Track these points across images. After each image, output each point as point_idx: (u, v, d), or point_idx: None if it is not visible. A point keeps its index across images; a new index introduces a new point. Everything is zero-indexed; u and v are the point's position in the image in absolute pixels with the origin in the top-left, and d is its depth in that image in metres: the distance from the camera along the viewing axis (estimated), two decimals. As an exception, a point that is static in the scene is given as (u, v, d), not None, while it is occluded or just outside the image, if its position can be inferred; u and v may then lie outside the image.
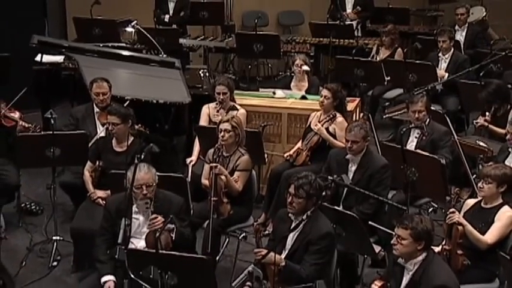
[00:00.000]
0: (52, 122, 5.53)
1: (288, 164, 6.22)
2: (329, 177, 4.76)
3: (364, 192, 5.07)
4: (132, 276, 3.76)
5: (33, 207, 6.50)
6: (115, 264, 4.49)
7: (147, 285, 3.75)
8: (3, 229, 4.66)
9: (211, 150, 5.55)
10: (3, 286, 4.64)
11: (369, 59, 8.35)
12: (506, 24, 9.79)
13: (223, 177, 5.28)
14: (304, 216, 4.29)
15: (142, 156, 4.60)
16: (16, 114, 6.24)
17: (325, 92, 6.21)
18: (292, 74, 7.45)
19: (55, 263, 5.65)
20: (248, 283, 4.37)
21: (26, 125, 6.18)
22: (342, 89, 6.34)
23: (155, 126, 6.53)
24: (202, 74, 7.55)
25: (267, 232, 5.37)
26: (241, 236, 5.59)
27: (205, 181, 5.54)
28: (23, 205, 6.46)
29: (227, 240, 5.81)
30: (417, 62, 7.75)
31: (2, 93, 6.35)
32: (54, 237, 5.76)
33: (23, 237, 6.05)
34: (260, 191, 6.48)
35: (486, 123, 6.39)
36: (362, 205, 5.21)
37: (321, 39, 9.04)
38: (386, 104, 8.16)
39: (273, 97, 7.00)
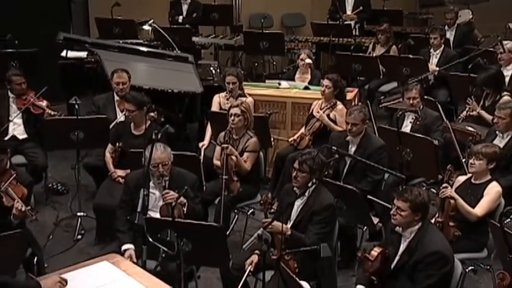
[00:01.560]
0: (76, 107, 5.50)
1: (292, 148, 6.17)
2: (333, 147, 4.68)
3: (370, 163, 4.97)
4: (151, 240, 3.70)
5: (59, 187, 6.47)
6: (134, 234, 4.46)
7: (164, 248, 3.69)
8: (35, 211, 4.61)
9: (222, 134, 5.50)
10: (34, 255, 4.64)
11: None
12: (490, 26, 9.74)
13: (233, 157, 5.25)
14: (310, 184, 4.22)
15: (159, 136, 4.54)
16: (44, 103, 6.20)
17: (326, 82, 6.16)
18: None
19: (79, 237, 5.64)
20: (257, 251, 4.32)
21: (52, 113, 6.13)
22: (341, 79, 6.29)
23: (170, 115, 6.48)
24: (212, 68, 7.50)
25: (272, 210, 5.32)
26: (250, 212, 5.57)
27: (216, 161, 5.49)
28: (50, 185, 6.45)
29: (236, 216, 5.76)
30: (410, 56, 7.67)
31: (31, 85, 6.30)
32: (78, 214, 5.75)
33: (50, 213, 6.03)
34: (266, 174, 6.43)
35: (477, 107, 6.29)
36: (361, 183, 5.16)
37: (322, 38, 9.01)
38: (382, 97, 8.11)
39: (278, 87, 6.95)
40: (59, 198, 6.35)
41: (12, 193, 4.50)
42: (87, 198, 6.07)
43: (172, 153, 4.66)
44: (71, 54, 7.48)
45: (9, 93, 6.17)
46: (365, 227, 5.10)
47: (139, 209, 3.98)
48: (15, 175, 4.63)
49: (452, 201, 4.50)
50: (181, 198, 4.36)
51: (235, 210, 5.61)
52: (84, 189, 6.21)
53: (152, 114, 5.67)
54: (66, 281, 3.28)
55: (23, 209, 4.42)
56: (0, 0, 8.06)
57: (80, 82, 7.37)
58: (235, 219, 5.75)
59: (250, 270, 4.23)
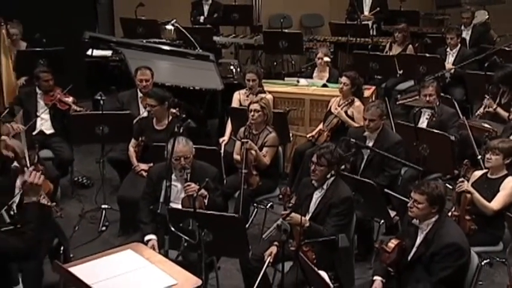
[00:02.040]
0: (101, 102, 5.53)
1: (310, 144, 6.13)
2: (351, 140, 4.65)
3: (388, 156, 4.93)
4: (173, 229, 3.70)
5: (84, 181, 6.51)
6: (156, 225, 4.47)
7: (186, 238, 3.68)
8: (59, 208, 4.64)
9: (242, 129, 5.49)
10: (60, 245, 4.67)
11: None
12: (505, 27, 9.63)
13: (253, 151, 5.25)
14: (329, 175, 4.19)
15: (181, 130, 4.55)
16: (70, 99, 6.24)
17: (344, 79, 6.13)
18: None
19: (104, 228, 5.66)
20: (276, 242, 4.30)
21: (78, 109, 6.16)
22: (359, 76, 6.24)
23: (191, 110, 6.49)
24: (232, 67, 7.50)
25: (290, 204, 5.30)
26: (269, 205, 5.55)
27: (236, 156, 5.49)
28: (75, 179, 6.49)
29: (255, 210, 5.76)
30: (427, 55, 7.60)
31: (58, 82, 6.34)
32: (103, 206, 5.78)
33: (75, 206, 6.06)
34: (285, 169, 6.40)
35: (494, 104, 6.20)
36: (378, 177, 5.12)
37: (340, 37, 8.94)
38: (398, 96, 8.05)
39: (297, 85, 6.91)
40: (84, 191, 6.38)
41: None
42: (111, 192, 6.11)
43: (193, 146, 4.67)
44: (97, 52, 7.56)
45: (37, 89, 6.22)
46: (382, 221, 5.06)
47: (162, 200, 3.97)
48: (42, 171, 4.64)
49: (468, 195, 4.45)
50: (202, 191, 4.36)
51: (255, 204, 5.60)
52: (109, 182, 6.25)
53: (174, 110, 5.69)
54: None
55: (49, 205, 4.43)
56: (30, 0, 8.11)
57: (104, 80, 7.42)
58: (254, 212, 5.74)
59: (269, 261, 4.21)
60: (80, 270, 3.30)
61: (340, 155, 4.40)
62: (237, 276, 4.79)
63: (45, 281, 4.35)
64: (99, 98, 5.55)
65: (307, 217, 4.34)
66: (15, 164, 4.62)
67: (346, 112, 6.06)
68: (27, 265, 4.05)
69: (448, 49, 7.84)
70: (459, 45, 7.86)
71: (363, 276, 4.85)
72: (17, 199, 4.42)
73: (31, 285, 4.11)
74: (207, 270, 4.20)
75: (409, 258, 3.91)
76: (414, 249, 3.90)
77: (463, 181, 4.47)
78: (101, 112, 5.56)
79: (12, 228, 3.62)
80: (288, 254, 3.91)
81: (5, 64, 6.68)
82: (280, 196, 5.01)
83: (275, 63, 9.44)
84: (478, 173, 4.74)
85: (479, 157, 5.32)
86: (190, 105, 6.38)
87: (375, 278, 4.01)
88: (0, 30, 6.63)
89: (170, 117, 5.51)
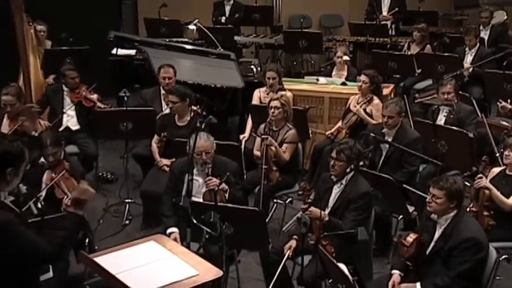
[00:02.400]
0: (125, 99, 5.56)
1: (329, 141, 6.08)
2: (371, 134, 4.61)
3: (408, 150, 4.90)
4: (195, 221, 3.70)
5: (108, 176, 6.55)
6: (178, 218, 4.48)
7: (207, 229, 3.68)
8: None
9: (263, 125, 5.49)
10: (85, 237, 4.69)
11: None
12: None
13: (273, 147, 5.24)
14: (348, 170, 4.17)
15: (203, 126, 4.55)
16: (94, 96, 6.27)
17: (363, 77, 6.10)
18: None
19: (127, 222, 5.69)
20: (295, 236, 4.28)
21: (103, 106, 6.20)
22: (378, 75, 6.20)
23: (213, 106, 6.51)
24: (253, 66, 7.50)
25: (310, 200, 5.28)
26: (288, 200, 5.53)
27: (257, 152, 5.48)
28: (100, 174, 6.53)
29: (275, 206, 5.74)
30: (445, 54, 7.52)
31: (84, 80, 6.38)
32: (126, 200, 5.81)
33: (100, 200, 6.07)
34: (304, 166, 6.37)
35: (508, 106, 6.12)
36: (396, 174, 5.07)
37: (359, 37, 8.89)
38: (416, 94, 7.98)
39: (316, 83, 6.89)
40: (108, 186, 6.42)
41: (63, 186, 4.54)
42: (134, 187, 6.12)
43: (215, 142, 4.66)
44: (121, 52, 7.60)
45: (64, 87, 6.27)
46: (400, 216, 5.01)
47: (184, 193, 3.98)
48: (67, 169, 4.67)
49: (487, 191, 4.40)
50: (223, 185, 4.35)
51: (274, 200, 5.59)
52: (132, 178, 6.27)
53: (195, 108, 5.70)
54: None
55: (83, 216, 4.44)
56: (57, 1, 8.18)
57: (128, 78, 7.46)
58: (274, 208, 5.73)
59: (289, 255, 4.20)
60: (104, 260, 3.31)
61: (359, 151, 4.38)
62: (257, 269, 4.78)
63: (70, 271, 4.38)
64: (123, 94, 5.58)
65: (326, 212, 4.31)
66: (42, 160, 4.68)
67: (364, 110, 6.02)
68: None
69: (466, 49, 7.76)
70: (478, 44, 7.77)
71: (381, 271, 4.80)
72: (43, 193, 4.48)
73: (58, 274, 4.16)
74: (227, 263, 4.19)
75: (427, 252, 3.87)
76: (432, 244, 3.86)
77: (481, 177, 4.42)
78: (125, 108, 5.58)
79: (38, 220, 3.66)
80: (307, 248, 3.90)
81: (33, 63, 6.74)
82: (300, 192, 5.00)
83: (295, 63, 9.42)
84: (496, 170, 4.67)
85: (497, 154, 5.25)
86: (212, 102, 6.39)
87: (393, 271, 3.97)
88: (29, 30, 6.69)
89: (192, 114, 5.53)
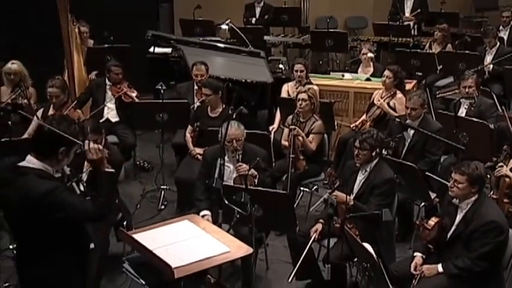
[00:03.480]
0: (162, 91, 5.58)
1: (354, 133, 6.00)
2: (396, 119, 4.54)
3: (432, 135, 4.78)
4: (226, 202, 3.69)
5: (145, 164, 6.59)
6: (211, 202, 4.48)
7: (238, 209, 3.66)
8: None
9: (290, 117, 5.45)
10: (124, 219, 4.73)
11: (423, 52, 8.04)
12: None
13: (300, 137, 5.20)
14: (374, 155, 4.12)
15: (234, 116, 4.54)
16: (134, 93, 6.31)
17: (387, 73, 6.01)
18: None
19: (162, 207, 5.72)
20: (321, 220, 4.24)
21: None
22: (401, 70, 6.11)
23: (243, 103, 6.47)
24: (281, 64, 7.48)
25: (335, 185, 5.24)
26: (314, 188, 5.48)
27: (284, 142, 5.45)
28: (138, 163, 6.58)
29: (301, 194, 5.70)
30: (466, 52, 7.38)
31: (124, 76, 6.42)
32: (162, 187, 5.83)
33: (137, 187, 6.15)
34: (329, 157, 6.32)
35: None
36: (419, 163, 4.97)
37: (382, 37, 8.78)
38: (437, 92, 7.85)
39: (341, 79, 6.83)
40: (145, 174, 6.46)
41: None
42: (169, 175, 6.14)
43: (245, 131, 4.65)
44: (158, 50, 7.64)
45: (107, 81, 6.32)
46: (422, 203, 4.92)
47: (216, 175, 3.97)
48: (106, 156, 4.68)
49: (507, 179, 4.30)
50: (253, 171, 4.34)
51: (301, 187, 5.55)
52: (167, 167, 6.29)
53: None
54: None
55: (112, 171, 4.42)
56: (99, 3, 8.26)
57: (164, 75, 7.47)
58: (300, 195, 5.69)
59: (315, 237, 4.16)
60: (142, 237, 3.33)
61: (381, 138, 4.31)
62: (285, 252, 4.76)
63: (110, 251, 4.43)
64: (159, 87, 5.60)
65: (351, 197, 4.25)
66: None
67: (388, 103, 5.94)
68: (98, 236, 4.12)
69: (487, 48, 7.60)
70: (498, 43, 7.61)
71: (403, 255, 4.71)
72: (85, 176, 4.50)
73: (99, 247, 4.19)
74: (256, 244, 4.18)
75: (448, 235, 3.79)
76: (454, 227, 3.78)
77: (502, 166, 4.32)
78: (161, 101, 5.60)
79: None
80: (332, 231, 3.85)
81: (77, 59, 6.80)
82: (326, 180, 4.96)
83: (320, 62, 9.35)
84: (516, 160, 4.55)
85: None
86: (242, 95, 6.37)
87: (415, 254, 3.91)
88: (73, 29, 6.76)
89: (223, 106, 5.53)
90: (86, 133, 4.61)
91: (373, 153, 4.24)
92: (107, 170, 3.17)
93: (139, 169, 6.52)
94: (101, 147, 3.05)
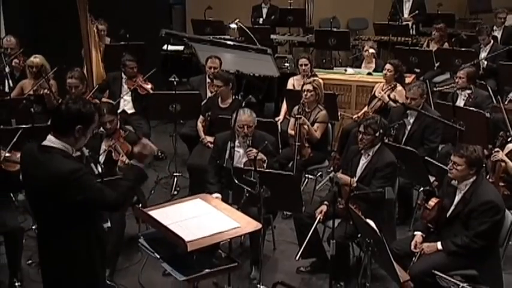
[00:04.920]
0: (175, 83, 5.54)
1: (356, 124, 5.94)
2: (398, 102, 4.48)
3: (436, 118, 4.78)
4: (236, 181, 3.64)
5: (159, 154, 6.51)
6: (221, 185, 4.44)
7: (248, 188, 3.62)
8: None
9: (296, 107, 5.40)
10: (139, 202, 4.68)
11: (421, 50, 7.98)
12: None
13: (305, 126, 5.15)
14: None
15: (243, 104, 4.50)
16: (149, 86, 6.27)
17: (388, 66, 5.98)
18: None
19: (175, 192, 5.68)
20: (326, 202, 4.19)
21: None
22: (402, 64, 6.07)
23: (254, 85, 6.47)
24: (287, 61, 7.44)
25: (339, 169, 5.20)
26: (318, 174, 5.44)
27: (291, 131, 5.40)
28: (152, 152, 6.53)
29: (306, 180, 5.66)
30: (462, 49, 7.32)
31: (139, 70, 6.39)
32: (174, 174, 5.79)
33: (151, 174, 6.04)
34: (332, 148, 6.27)
35: None
36: (418, 150, 4.90)
37: (382, 37, 8.72)
38: (435, 88, 7.79)
39: (344, 73, 6.78)
40: (158, 162, 6.39)
41: (119, 149, 4.51)
42: (181, 163, 6.11)
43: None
44: (171, 47, 7.62)
45: (123, 75, 6.29)
46: (421, 188, 4.87)
47: (227, 157, 3.93)
48: (123, 135, 4.67)
49: (503, 163, 4.23)
50: (262, 155, 4.30)
51: (306, 174, 5.50)
52: (179, 156, 6.26)
53: None
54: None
55: (127, 161, 4.43)
56: (117, 3, 8.23)
57: (177, 71, 7.40)
58: (305, 182, 5.65)
59: (320, 218, 4.11)
60: (157, 214, 3.31)
61: (384, 124, 4.26)
62: (290, 234, 4.73)
63: (126, 232, 4.41)
64: (172, 79, 5.56)
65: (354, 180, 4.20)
66: (101, 129, 4.66)
67: (388, 96, 5.88)
68: (114, 216, 4.09)
69: (481, 45, 7.54)
70: (492, 41, 7.55)
71: (403, 237, 4.67)
72: (102, 158, 4.48)
73: (116, 232, 4.16)
74: (264, 225, 4.14)
75: (447, 215, 3.74)
76: (453, 207, 3.73)
77: (498, 151, 4.27)
78: (174, 92, 5.57)
79: (99, 181, 3.65)
80: (336, 213, 3.80)
81: (95, 56, 6.78)
82: (330, 168, 4.89)
83: (324, 60, 9.30)
84: (511, 146, 4.49)
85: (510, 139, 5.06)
86: (250, 88, 6.33)
87: (415, 232, 3.85)
88: (92, 27, 6.74)
89: (234, 97, 5.49)
90: (103, 113, 4.57)
91: (377, 138, 4.18)
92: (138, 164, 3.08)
93: (153, 158, 6.46)
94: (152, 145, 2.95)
